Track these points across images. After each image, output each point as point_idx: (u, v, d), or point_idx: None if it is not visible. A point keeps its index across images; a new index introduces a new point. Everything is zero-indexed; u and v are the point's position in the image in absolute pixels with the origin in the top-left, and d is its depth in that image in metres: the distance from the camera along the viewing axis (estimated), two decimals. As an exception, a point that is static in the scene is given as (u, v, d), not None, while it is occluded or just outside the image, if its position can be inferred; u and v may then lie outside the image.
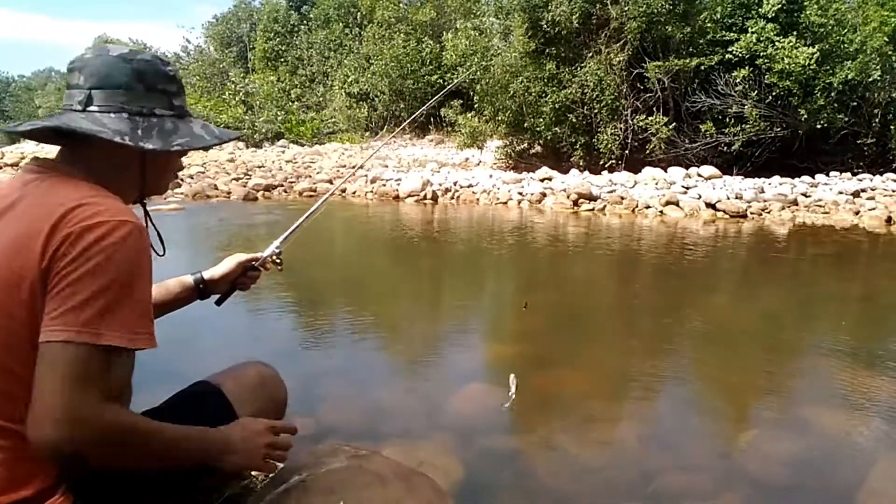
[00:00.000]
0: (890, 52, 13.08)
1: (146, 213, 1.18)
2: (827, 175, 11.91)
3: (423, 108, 3.31)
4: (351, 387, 2.89)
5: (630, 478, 2.11)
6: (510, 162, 16.06)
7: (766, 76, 12.83)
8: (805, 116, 12.86)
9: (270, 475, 1.44)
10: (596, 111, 13.98)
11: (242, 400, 1.24)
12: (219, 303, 1.52)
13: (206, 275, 1.47)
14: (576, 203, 10.05)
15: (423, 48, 23.05)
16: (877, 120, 13.63)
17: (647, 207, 9.73)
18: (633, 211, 9.75)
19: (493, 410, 2.73)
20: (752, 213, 9.33)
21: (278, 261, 1.59)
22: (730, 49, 13.25)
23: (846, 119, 13.19)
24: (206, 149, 1.16)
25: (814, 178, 11.65)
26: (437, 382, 2.98)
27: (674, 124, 13.52)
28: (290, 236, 1.64)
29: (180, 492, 1.22)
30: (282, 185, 12.08)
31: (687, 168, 12.11)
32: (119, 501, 1.08)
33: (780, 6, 12.98)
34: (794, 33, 12.87)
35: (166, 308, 1.43)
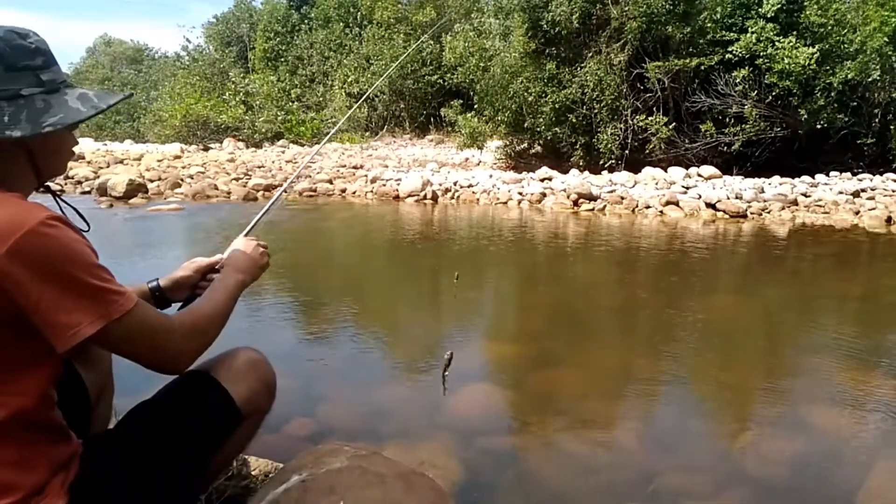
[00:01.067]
0: (890, 52, 13.05)
1: (54, 196, 1.15)
2: (827, 175, 11.89)
3: (361, 100, 3.29)
4: (351, 387, 2.89)
5: (630, 478, 2.11)
6: (510, 162, 16.06)
7: (766, 76, 12.82)
8: (805, 116, 12.85)
9: (270, 475, 1.44)
10: (596, 111, 13.97)
11: (233, 382, 1.24)
12: None
13: (163, 282, 1.40)
14: (576, 203, 10.04)
15: (424, 48, 23.04)
16: (877, 120, 13.62)
17: (647, 207, 9.72)
18: (633, 211, 9.74)
19: (493, 410, 2.73)
20: (752, 213, 9.33)
21: None
22: (730, 49, 13.24)
23: (846, 119, 13.18)
24: (81, 122, 1.04)
25: (814, 178, 11.63)
26: (437, 382, 2.98)
27: (674, 124, 13.51)
28: (250, 233, 1.57)
29: (180, 493, 1.22)
30: (282, 185, 12.07)
31: (687, 168, 12.10)
32: None
33: (780, 6, 12.97)
34: (794, 33, 12.86)
35: None
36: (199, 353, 1.13)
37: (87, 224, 1.17)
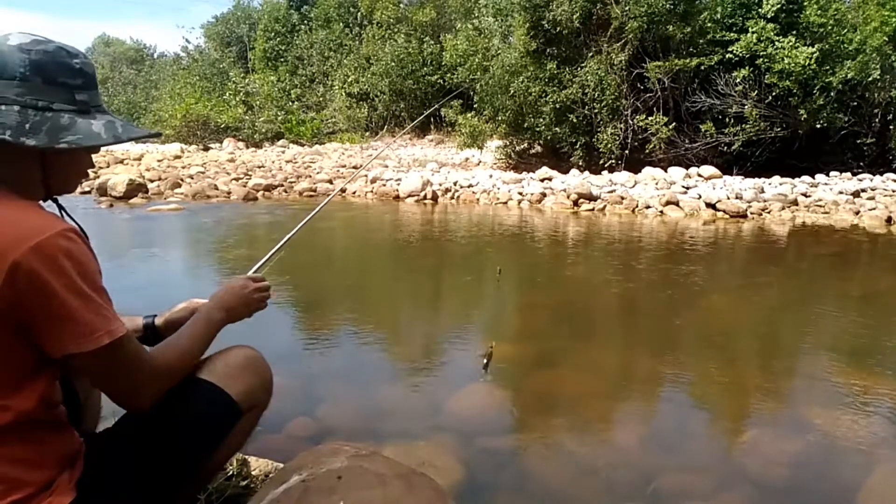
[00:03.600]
0: (890, 52, 13.06)
1: (60, 209, 1.16)
2: (827, 175, 11.89)
3: (423, 115, 3.30)
4: (351, 387, 2.89)
5: (630, 478, 2.11)
6: (510, 162, 16.05)
7: (766, 76, 12.81)
8: (805, 116, 12.85)
9: (270, 475, 1.44)
10: (596, 111, 13.97)
11: (231, 379, 1.25)
12: None
13: (159, 321, 1.36)
14: (576, 203, 10.04)
15: (425, 48, 23.05)
16: (877, 120, 13.62)
17: (647, 207, 9.72)
18: (633, 211, 9.74)
19: (493, 410, 2.73)
20: (752, 213, 9.33)
21: None
22: (730, 49, 13.24)
23: (846, 119, 13.18)
24: (97, 148, 1.08)
25: (814, 178, 11.64)
26: (437, 382, 2.98)
27: (674, 124, 13.50)
28: (261, 269, 1.55)
29: (182, 488, 1.23)
30: (282, 185, 12.08)
31: (687, 168, 12.10)
32: (121, 501, 1.09)
33: (779, 6, 12.97)
34: (794, 33, 12.86)
35: None
36: (161, 396, 1.12)
37: (87, 237, 1.18)
